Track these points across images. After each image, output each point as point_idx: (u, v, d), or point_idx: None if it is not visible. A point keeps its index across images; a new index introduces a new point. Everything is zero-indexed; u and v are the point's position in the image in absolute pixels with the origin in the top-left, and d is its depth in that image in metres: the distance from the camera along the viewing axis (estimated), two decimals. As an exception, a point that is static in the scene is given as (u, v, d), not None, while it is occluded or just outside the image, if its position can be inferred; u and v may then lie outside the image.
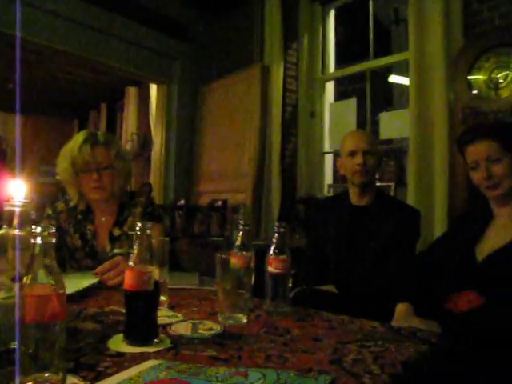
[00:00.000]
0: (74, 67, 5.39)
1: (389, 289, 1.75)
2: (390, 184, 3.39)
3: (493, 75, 2.65)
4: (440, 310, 1.50)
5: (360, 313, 1.28)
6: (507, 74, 2.59)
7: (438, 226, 2.74)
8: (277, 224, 1.25)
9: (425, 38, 3.03)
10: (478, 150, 1.54)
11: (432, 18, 2.97)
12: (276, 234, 1.25)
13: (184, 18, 4.57)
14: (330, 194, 3.73)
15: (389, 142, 3.99)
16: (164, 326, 1.04)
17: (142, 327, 0.94)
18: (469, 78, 2.72)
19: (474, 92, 2.71)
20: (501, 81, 2.62)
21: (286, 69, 4.08)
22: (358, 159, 1.94)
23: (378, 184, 3.30)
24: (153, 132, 5.07)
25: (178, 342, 0.95)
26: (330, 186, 3.94)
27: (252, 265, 1.19)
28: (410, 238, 1.96)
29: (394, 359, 0.91)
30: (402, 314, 1.53)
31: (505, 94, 2.59)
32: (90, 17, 3.86)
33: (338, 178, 3.95)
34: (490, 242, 1.53)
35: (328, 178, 4.02)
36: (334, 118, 3.96)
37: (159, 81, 4.74)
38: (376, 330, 1.13)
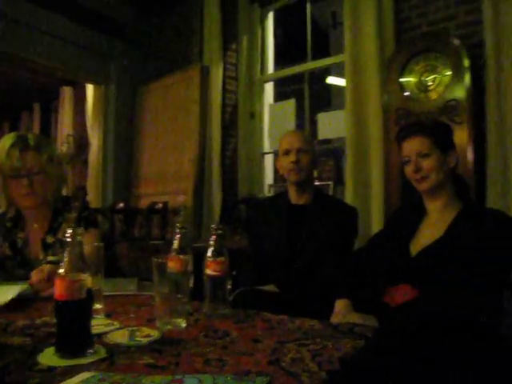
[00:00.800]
0: (4, 65, 5.11)
1: (328, 286, 1.80)
2: (328, 183, 3.47)
3: (422, 78, 2.77)
4: (377, 304, 1.55)
5: (301, 311, 1.30)
6: (435, 78, 2.71)
7: (375, 222, 2.83)
8: (214, 226, 1.24)
9: (360, 41, 3.13)
10: (410, 146, 1.63)
11: (366, 23, 3.07)
12: (213, 236, 1.24)
13: (122, 17, 4.46)
14: (271, 194, 3.76)
15: (328, 141, 4.08)
16: (99, 336, 1.00)
17: (74, 338, 0.90)
18: (401, 80, 2.82)
19: (406, 94, 2.81)
20: (430, 83, 2.74)
21: (225, 69, 4.08)
22: (292, 157, 1.99)
23: (317, 183, 3.38)
24: (90, 133, 4.90)
25: (113, 351, 0.92)
26: (270, 185, 3.98)
27: (190, 268, 1.17)
28: (348, 236, 2.02)
29: (331, 356, 0.93)
30: (341, 310, 1.56)
31: (433, 96, 2.71)
32: (22, 13, 3.68)
33: (278, 177, 3.99)
34: (423, 237, 1.61)
35: (268, 178, 4.06)
36: (273, 118, 4.00)
37: (95, 81, 4.60)
38: (315, 327, 1.15)
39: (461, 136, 2.47)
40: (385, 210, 2.84)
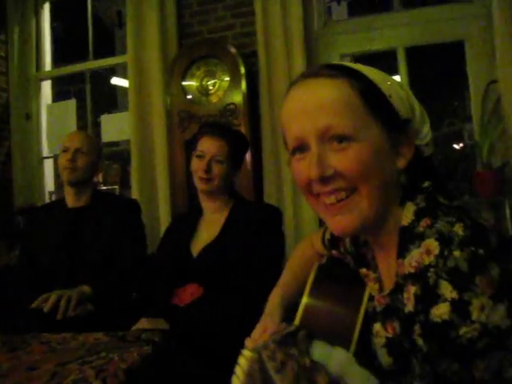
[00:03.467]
0: None
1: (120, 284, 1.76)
2: (114, 187, 3.37)
3: (203, 82, 2.89)
4: (167, 306, 1.56)
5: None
6: (215, 82, 2.86)
7: (163, 224, 2.83)
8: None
9: (143, 43, 3.11)
10: (209, 145, 1.66)
11: (149, 25, 3.06)
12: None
13: None
14: (53, 202, 3.47)
15: (115, 144, 3.96)
16: None
17: None
18: (183, 83, 2.89)
19: (189, 97, 2.90)
20: (210, 88, 2.87)
21: (-8, 64, 3.61)
22: (68, 155, 1.94)
23: (103, 188, 3.26)
24: None
25: None
26: (51, 192, 3.65)
27: None
28: (135, 228, 2.01)
29: (117, 369, 0.90)
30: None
31: (214, 99, 2.85)
32: None
33: (60, 183, 3.70)
34: (202, 238, 1.68)
35: (49, 184, 3.72)
36: (52, 120, 3.69)
37: None
38: (100, 341, 1.10)
39: (239, 138, 2.65)
40: (171, 211, 2.87)
